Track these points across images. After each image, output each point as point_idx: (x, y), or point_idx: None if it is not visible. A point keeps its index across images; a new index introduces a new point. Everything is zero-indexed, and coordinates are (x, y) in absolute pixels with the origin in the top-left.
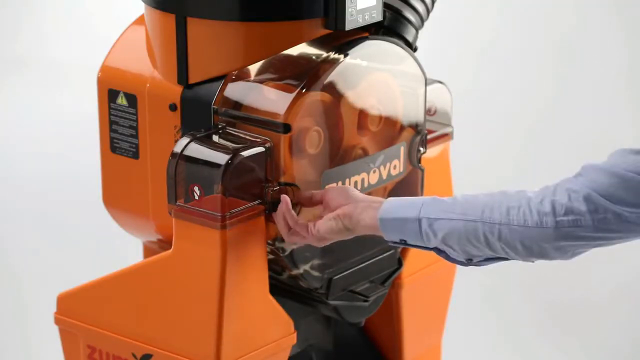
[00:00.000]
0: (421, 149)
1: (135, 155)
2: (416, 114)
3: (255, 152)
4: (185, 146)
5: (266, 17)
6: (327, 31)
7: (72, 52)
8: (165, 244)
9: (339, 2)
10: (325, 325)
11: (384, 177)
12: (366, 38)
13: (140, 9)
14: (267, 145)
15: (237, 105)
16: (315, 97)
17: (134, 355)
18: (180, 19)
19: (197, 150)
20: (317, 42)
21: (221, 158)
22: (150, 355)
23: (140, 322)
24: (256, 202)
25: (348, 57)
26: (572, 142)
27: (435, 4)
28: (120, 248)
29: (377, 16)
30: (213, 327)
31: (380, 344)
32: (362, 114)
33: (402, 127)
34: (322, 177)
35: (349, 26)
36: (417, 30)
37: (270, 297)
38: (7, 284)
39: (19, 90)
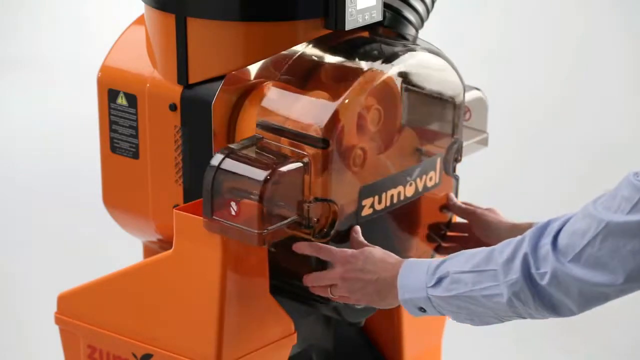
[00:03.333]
0: (457, 157)
1: (135, 155)
2: (454, 123)
3: (293, 168)
4: (222, 160)
5: (266, 17)
6: (327, 31)
7: (71, 52)
8: (165, 244)
9: (338, 2)
10: (325, 325)
11: (420, 189)
12: (409, 49)
13: (140, 9)
14: (304, 160)
15: (275, 116)
16: (357, 110)
17: (134, 355)
18: (180, 19)
19: (234, 165)
20: (355, 50)
21: (259, 174)
22: (150, 355)
23: (140, 322)
24: (293, 218)
25: (393, 69)
26: (574, 142)
27: (435, 4)
28: (120, 248)
29: (377, 16)
30: (213, 327)
31: (380, 344)
32: (401, 127)
33: (440, 137)
34: (359, 191)
35: (348, 26)
36: (417, 30)
37: (271, 297)
38: (7, 284)
39: (19, 90)
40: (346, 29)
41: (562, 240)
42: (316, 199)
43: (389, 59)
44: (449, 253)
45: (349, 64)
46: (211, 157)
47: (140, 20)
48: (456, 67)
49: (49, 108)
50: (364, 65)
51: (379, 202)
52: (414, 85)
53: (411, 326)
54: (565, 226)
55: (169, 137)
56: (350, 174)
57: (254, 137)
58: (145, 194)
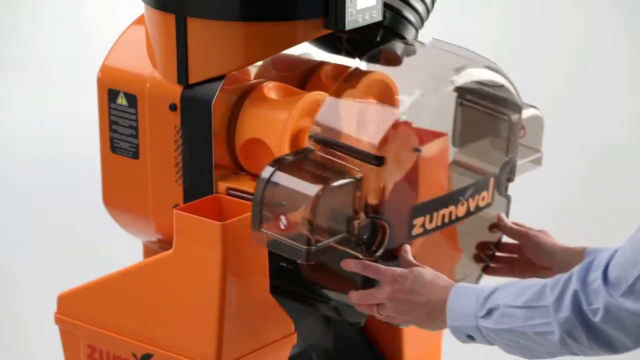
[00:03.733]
0: (510, 177)
1: (135, 155)
2: (509, 142)
3: (345, 183)
4: (273, 172)
5: (266, 17)
6: (327, 31)
7: (71, 52)
8: (165, 244)
9: (338, 2)
10: (325, 325)
11: (472, 209)
12: (469, 64)
13: (140, 9)
14: (357, 175)
15: (328, 129)
16: (412, 126)
17: (134, 355)
18: (180, 19)
19: (285, 178)
20: (414, 64)
21: (311, 188)
22: (150, 355)
23: (140, 322)
24: (342, 235)
25: (451, 86)
26: (574, 142)
27: (436, 4)
28: (120, 248)
29: (377, 16)
30: (213, 327)
31: (380, 344)
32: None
33: (494, 155)
34: (411, 210)
35: (349, 26)
36: (417, 30)
37: (271, 297)
38: (7, 284)
39: (19, 90)
40: (346, 29)
41: (613, 272)
42: (367, 216)
43: (447, 74)
44: (497, 274)
45: (408, 76)
46: (211, 157)
47: (140, 20)
48: (514, 85)
49: (49, 108)
50: (422, 80)
51: (430, 221)
52: (469, 101)
53: (411, 326)
54: (614, 258)
55: (169, 137)
56: (403, 192)
57: (305, 150)
58: (145, 194)
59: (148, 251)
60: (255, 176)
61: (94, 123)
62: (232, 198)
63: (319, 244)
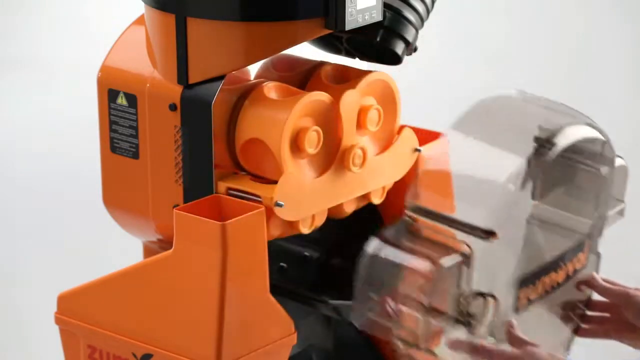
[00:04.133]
0: (600, 233)
1: (135, 155)
2: (599, 196)
3: (456, 261)
4: (379, 248)
5: (266, 17)
6: (328, 31)
7: (71, 52)
8: (165, 244)
9: (338, 2)
10: (325, 325)
11: (570, 273)
12: (570, 122)
13: (140, 9)
14: (465, 251)
15: (428, 198)
16: (521, 194)
17: (134, 355)
18: (180, 19)
19: (393, 255)
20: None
21: (422, 267)
22: (150, 355)
23: (140, 322)
24: (451, 315)
25: (555, 150)
26: None
27: (436, 5)
28: (120, 248)
29: (377, 16)
30: (213, 327)
31: (380, 344)
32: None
33: (586, 213)
34: (515, 282)
35: (349, 26)
36: (417, 30)
37: (271, 297)
38: (7, 284)
39: (19, 90)
40: (346, 29)
41: None
42: (476, 293)
43: (551, 136)
44: (590, 336)
45: (510, 138)
46: (211, 157)
47: (140, 20)
48: (609, 138)
49: (49, 108)
50: (525, 144)
51: (534, 291)
52: (562, 157)
53: None
54: None
55: (169, 137)
56: (510, 263)
57: (405, 222)
58: (145, 194)
59: (148, 251)
60: (255, 176)
61: (94, 123)
62: (232, 198)
63: (432, 329)
